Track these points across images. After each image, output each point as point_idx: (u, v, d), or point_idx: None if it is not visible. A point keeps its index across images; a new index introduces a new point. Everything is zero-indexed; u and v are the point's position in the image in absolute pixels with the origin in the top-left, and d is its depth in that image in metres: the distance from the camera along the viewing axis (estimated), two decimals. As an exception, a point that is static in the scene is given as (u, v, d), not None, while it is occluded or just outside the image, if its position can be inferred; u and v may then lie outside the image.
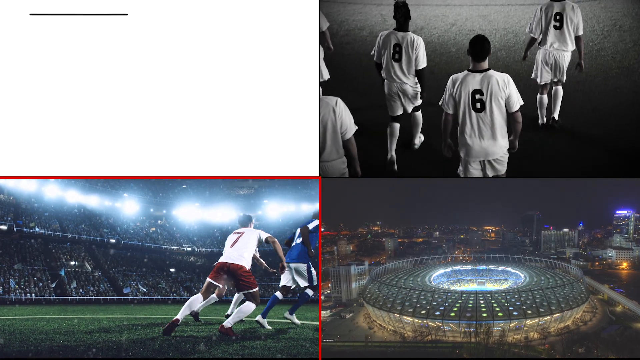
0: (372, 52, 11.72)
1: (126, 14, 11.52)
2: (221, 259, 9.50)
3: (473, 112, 8.63)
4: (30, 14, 11.63)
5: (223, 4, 11.55)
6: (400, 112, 11.90)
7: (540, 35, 12.33)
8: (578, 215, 47.50)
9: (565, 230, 46.56)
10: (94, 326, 11.85)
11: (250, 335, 9.34)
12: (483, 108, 8.57)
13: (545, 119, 13.20)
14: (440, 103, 9.13)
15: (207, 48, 11.72)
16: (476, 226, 54.09)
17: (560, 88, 12.76)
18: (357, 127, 9.24)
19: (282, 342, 8.37)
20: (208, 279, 9.21)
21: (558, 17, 11.84)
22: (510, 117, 8.72)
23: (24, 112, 11.78)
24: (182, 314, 9.01)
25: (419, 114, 12.04)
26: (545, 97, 12.88)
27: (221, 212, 58.54)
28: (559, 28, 11.88)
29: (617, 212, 45.55)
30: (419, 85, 11.53)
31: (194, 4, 11.61)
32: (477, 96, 8.52)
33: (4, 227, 40.24)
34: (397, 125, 12.14)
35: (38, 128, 11.82)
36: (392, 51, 11.17)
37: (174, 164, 11.79)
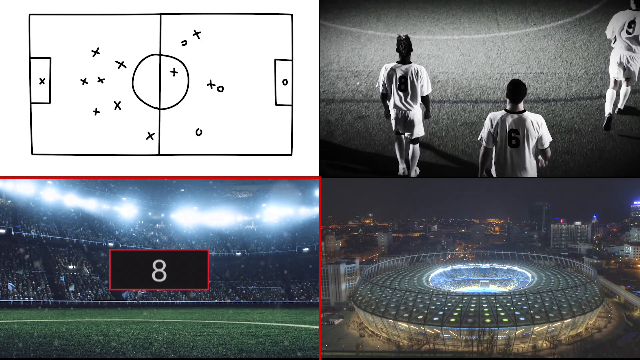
0: (377, 85, 13.08)
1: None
2: None
3: (509, 147, 10.35)
4: (30, 14, 12.29)
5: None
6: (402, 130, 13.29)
7: (615, 38, 14.33)
8: (591, 207, 47.35)
9: (578, 223, 46.44)
10: (92, 329, 12.36)
11: (249, 338, 9.80)
12: (518, 144, 10.30)
13: (611, 110, 14.80)
14: (479, 138, 10.82)
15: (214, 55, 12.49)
16: (479, 219, 53.97)
17: (629, 88, 14.67)
18: None
19: (280, 346, 8.89)
20: None
21: (633, 25, 13.89)
22: (540, 152, 10.51)
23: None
24: None
25: (417, 147, 13.39)
26: (614, 91, 14.79)
27: (220, 216, 60.34)
28: (631, 34, 13.94)
29: (635, 202, 45.57)
30: (419, 113, 12.95)
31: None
32: (513, 134, 10.26)
33: (2, 231, 41.86)
34: (402, 137, 13.45)
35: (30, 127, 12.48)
36: (397, 82, 12.57)
37: (175, 164, 12.60)
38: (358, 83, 16.67)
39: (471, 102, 15.87)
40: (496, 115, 10.41)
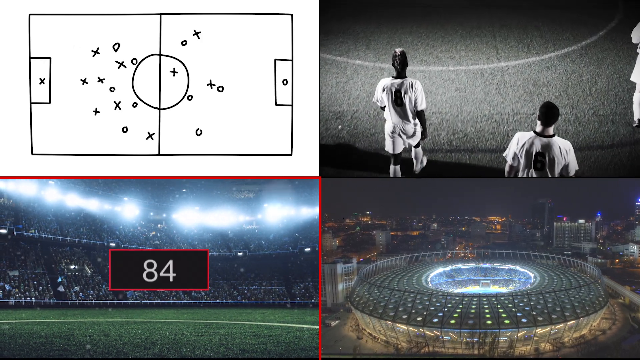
0: (374, 100, 13.32)
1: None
2: None
3: (533, 170, 10.42)
4: (30, 14, 12.52)
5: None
6: (400, 149, 13.57)
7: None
8: (595, 204, 47.24)
9: (581, 221, 46.36)
10: (94, 330, 12.64)
11: (251, 338, 10.07)
12: (543, 168, 10.36)
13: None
14: (504, 154, 10.88)
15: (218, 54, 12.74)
16: (479, 217, 54.04)
17: None
18: None
19: (281, 346, 9.17)
20: None
21: None
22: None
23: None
24: None
25: (419, 149, 13.91)
26: None
27: (221, 216, 61.28)
28: None
29: (640, 200, 45.61)
30: (419, 125, 13.25)
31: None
32: (539, 158, 10.33)
33: (3, 231, 42.62)
34: (397, 168, 13.78)
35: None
36: (393, 97, 12.86)
37: (175, 164, 12.84)
38: (340, 127, 15.45)
39: (467, 152, 14.59)
40: (524, 135, 10.50)
